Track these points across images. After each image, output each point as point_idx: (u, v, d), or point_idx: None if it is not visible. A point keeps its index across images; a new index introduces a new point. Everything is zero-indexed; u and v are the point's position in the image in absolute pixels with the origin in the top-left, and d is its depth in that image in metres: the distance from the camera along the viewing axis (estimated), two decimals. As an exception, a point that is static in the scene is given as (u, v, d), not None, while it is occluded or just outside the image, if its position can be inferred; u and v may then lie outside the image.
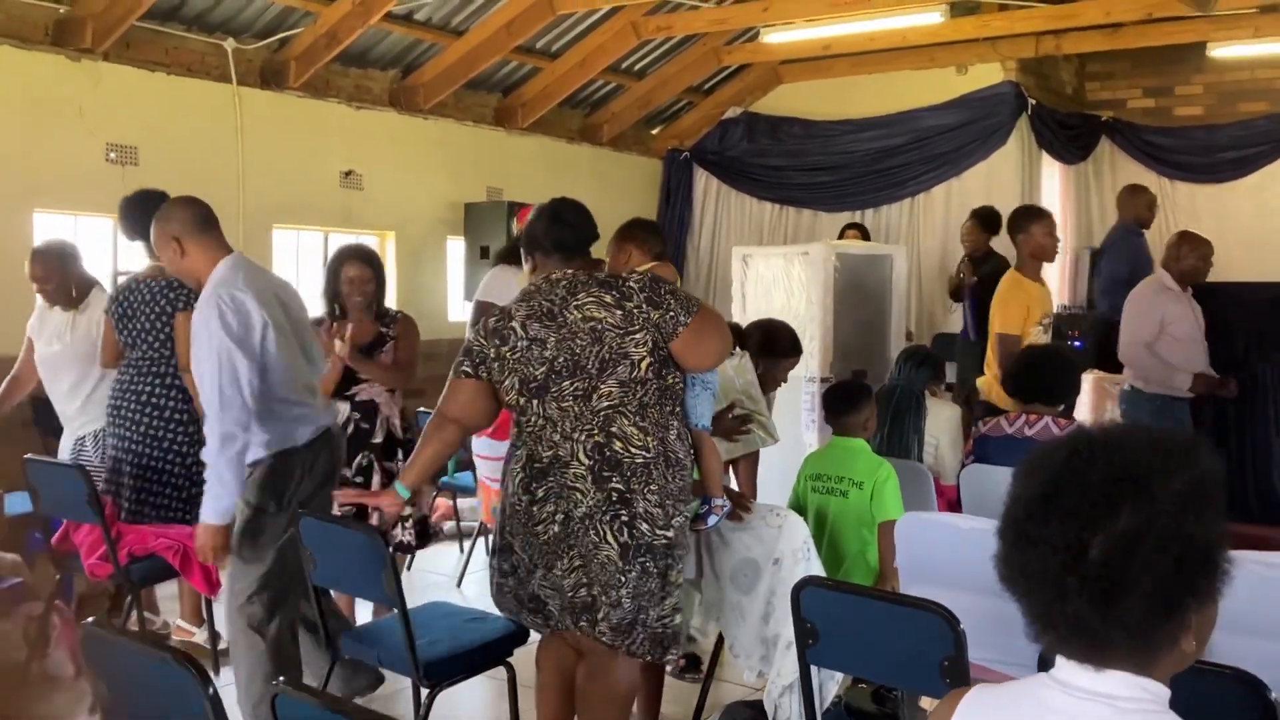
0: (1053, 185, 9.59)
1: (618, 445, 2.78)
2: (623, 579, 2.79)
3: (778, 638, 3.22)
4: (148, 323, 4.34)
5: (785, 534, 3.28)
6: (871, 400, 3.69)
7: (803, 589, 2.57)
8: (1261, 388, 5.68)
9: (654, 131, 10.50)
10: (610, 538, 2.79)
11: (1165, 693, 1.25)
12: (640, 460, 2.78)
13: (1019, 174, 8.98)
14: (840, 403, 3.64)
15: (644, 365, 2.78)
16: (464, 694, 3.59)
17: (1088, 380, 6.32)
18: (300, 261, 7.81)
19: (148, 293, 4.37)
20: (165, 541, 4.09)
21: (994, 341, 5.10)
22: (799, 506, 3.48)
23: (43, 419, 5.90)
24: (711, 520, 3.06)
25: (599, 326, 2.78)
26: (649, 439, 2.79)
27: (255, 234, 7.25)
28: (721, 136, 10.24)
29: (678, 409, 2.89)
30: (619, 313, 2.78)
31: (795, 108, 10.07)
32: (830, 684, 3.18)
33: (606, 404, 2.79)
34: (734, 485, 3.92)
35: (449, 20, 7.77)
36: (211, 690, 1.85)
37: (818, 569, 3.24)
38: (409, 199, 8.23)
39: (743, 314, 6.27)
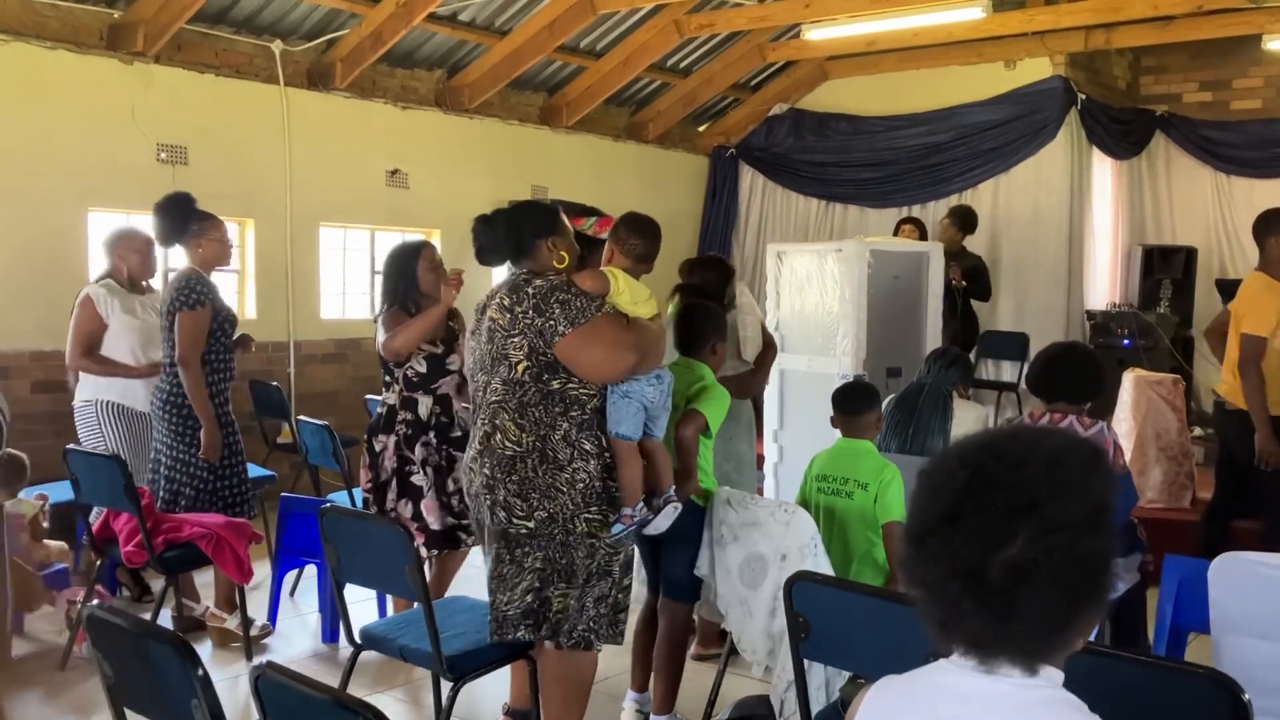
0: (1104, 181, 9.46)
1: (497, 437, 3.00)
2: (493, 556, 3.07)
3: (784, 633, 3.24)
4: (165, 321, 4.53)
5: (793, 529, 3.31)
6: (878, 404, 3.68)
7: (795, 584, 2.60)
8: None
9: (700, 129, 10.53)
10: (486, 515, 3.05)
11: (1059, 675, 1.33)
12: (508, 453, 2.98)
13: (1068, 169, 8.88)
14: (849, 402, 3.64)
15: (520, 368, 2.97)
16: (487, 686, 3.66)
17: (1129, 379, 6.23)
18: (346, 259, 7.97)
19: (167, 292, 4.58)
20: (199, 530, 4.23)
21: (1236, 342, 4.83)
22: (805, 506, 3.50)
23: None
24: (616, 529, 3.04)
25: (494, 328, 3.02)
26: (524, 435, 2.97)
27: (302, 232, 7.42)
28: (768, 133, 10.24)
29: (573, 412, 2.98)
30: (509, 316, 2.98)
31: (842, 104, 10.04)
32: (837, 680, 3.21)
33: (495, 399, 3.03)
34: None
35: (492, 21, 7.86)
36: (200, 671, 1.94)
37: (825, 565, 3.26)
38: (454, 197, 8.34)
39: (776, 311, 6.29)
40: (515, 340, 2.96)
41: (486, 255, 3.14)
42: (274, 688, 1.84)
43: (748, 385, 4.32)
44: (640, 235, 3.49)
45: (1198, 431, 7.77)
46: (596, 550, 3.04)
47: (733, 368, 4.23)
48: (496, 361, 3.01)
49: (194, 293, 4.49)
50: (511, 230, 3.09)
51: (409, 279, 4.22)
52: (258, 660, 4.35)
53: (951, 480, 1.31)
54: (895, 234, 7.70)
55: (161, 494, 4.55)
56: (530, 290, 2.97)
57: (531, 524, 2.97)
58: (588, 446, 3.00)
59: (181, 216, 4.65)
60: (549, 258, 3.08)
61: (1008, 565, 1.24)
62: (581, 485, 2.98)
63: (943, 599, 1.29)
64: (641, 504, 3.09)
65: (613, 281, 3.13)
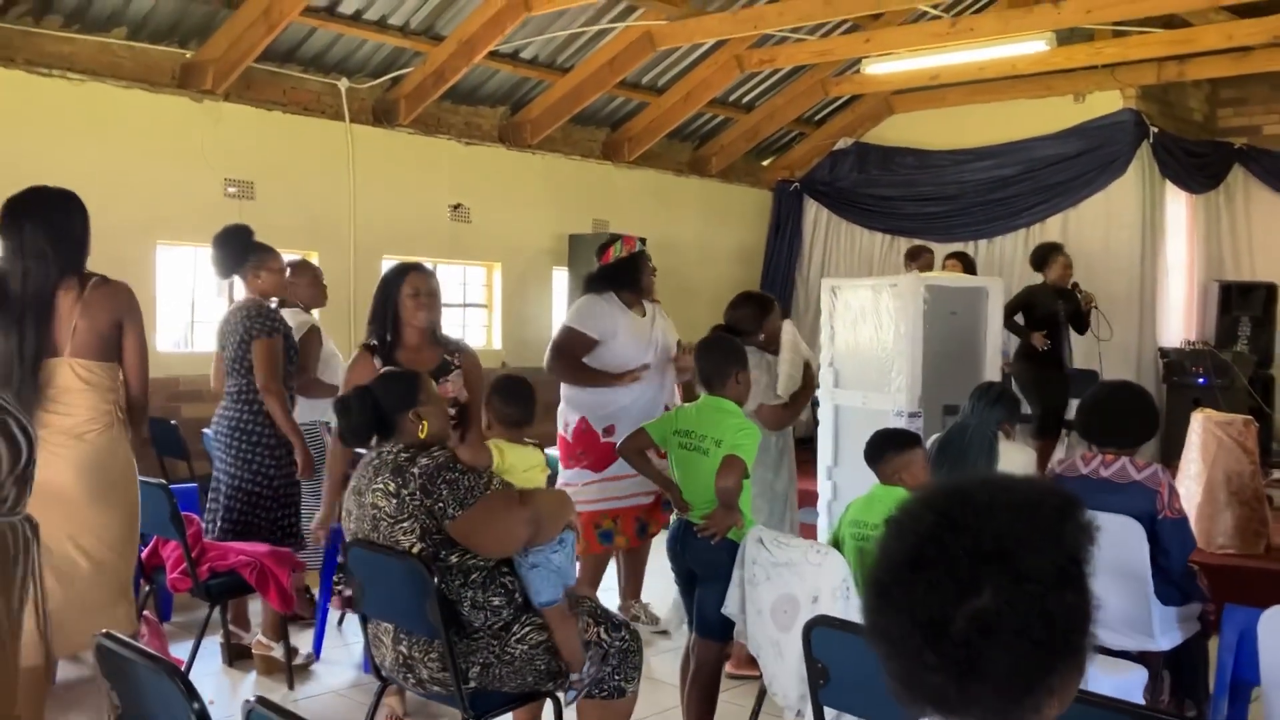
0: (1178, 215, 9.22)
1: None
2: None
3: (815, 677, 3.17)
4: (235, 351, 4.59)
5: (825, 571, 3.24)
6: (907, 450, 3.54)
7: (813, 628, 2.54)
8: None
9: (764, 163, 10.51)
10: (414, 689, 3.11)
11: None
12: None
13: (1140, 204, 8.68)
14: (870, 453, 3.57)
15: (415, 550, 2.88)
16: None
17: (1197, 420, 6.02)
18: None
19: (234, 321, 4.62)
20: (244, 559, 4.28)
21: None
22: (838, 549, 3.43)
23: (160, 438, 6.27)
24: (570, 695, 3.04)
25: (379, 515, 2.93)
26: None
27: (365, 264, 7.54)
28: (832, 167, 10.19)
29: (473, 577, 2.94)
30: (395, 501, 2.89)
31: (908, 138, 9.95)
32: (869, 726, 3.12)
33: None
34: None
35: (554, 58, 7.96)
36: (197, 705, 1.95)
37: (857, 609, 3.18)
38: (515, 231, 8.44)
39: (831, 346, 6.21)
40: (405, 525, 2.89)
41: (349, 439, 3.08)
42: (265, 723, 1.84)
43: (780, 419, 4.28)
44: (514, 403, 3.36)
45: (1278, 474, 7.48)
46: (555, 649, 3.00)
47: (766, 398, 4.22)
48: (396, 550, 2.93)
49: (268, 320, 4.58)
50: (367, 410, 3.02)
51: (391, 305, 3.95)
52: (298, 688, 4.41)
53: (917, 524, 1.24)
54: (942, 269, 7.60)
55: (220, 521, 4.62)
56: (415, 471, 2.88)
57: (472, 684, 2.95)
58: (497, 601, 2.97)
59: (239, 248, 4.75)
60: (414, 429, 3.00)
61: (972, 616, 1.17)
62: (499, 626, 2.96)
63: (904, 652, 1.22)
64: (587, 663, 3.05)
65: (496, 455, 3.12)
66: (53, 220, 3.52)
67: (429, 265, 8.06)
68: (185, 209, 6.65)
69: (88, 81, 6.27)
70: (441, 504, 2.85)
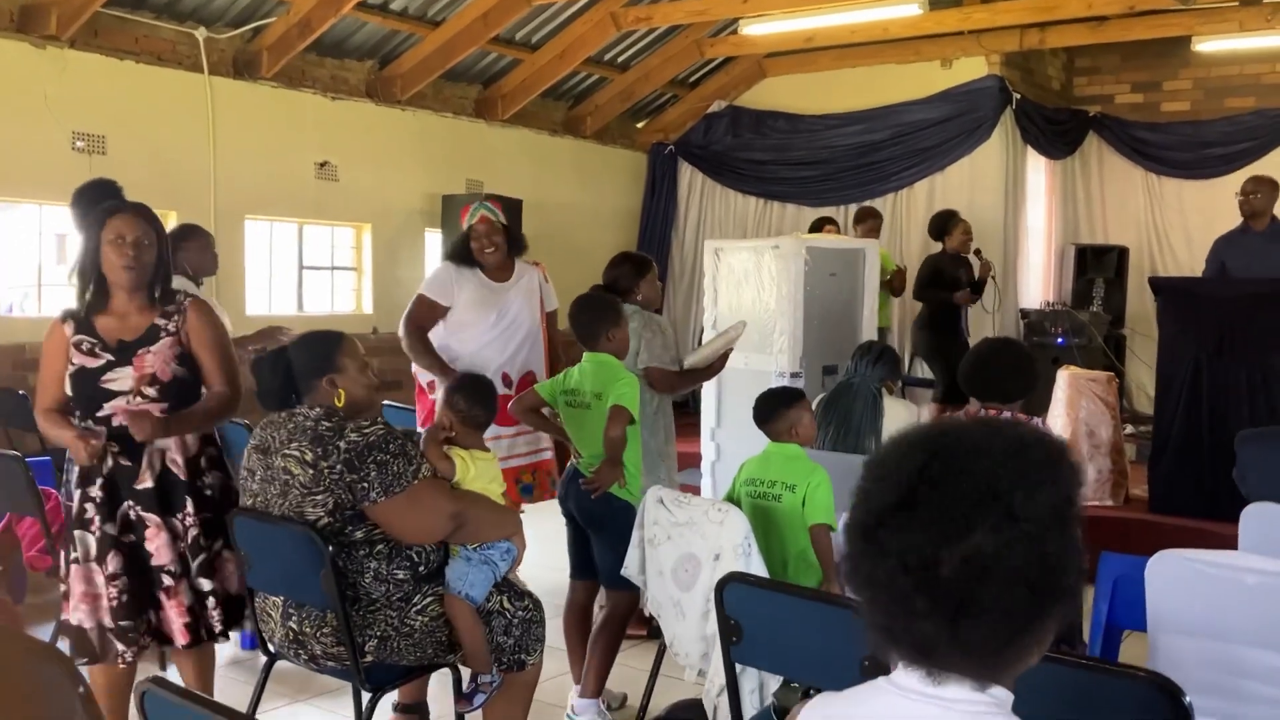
0: (1038, 180, 9.54)
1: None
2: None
3: (717, 636, 3.16)
4: None
5: (726, 529, 3.21)
6: (795, 406, 3.53)
7: (725, 585, 2.51)
8: (1234, 386, 5.58)
9: (639, 125, 10.43)
10: (306, 665, 2.97)
11: (1008, 697, 1.20)
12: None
13: (1003, 169, 8.93)
14: (757, 413, 3.56)
15: (319, 525, 2.74)
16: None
17: (1063, 376, 6.24)
18: (273, 254, 7.75)
19: None
20: (109, 534, 4.03)
21: None
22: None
23: (6, 409, 5.87)
24: (478, 700, 2.93)
25: (291, 482, 2.76)
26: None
27: (227, 225, 7.19)
28: (706, 130, 10.17)
29: (378, 548, 2.81)
30: (311, 472, 2.72)
31: (780, 101, 10.00)
32: (771, 684, 3.12)
33: None
34: None
35: (425, 11, 7.70)
36: (82, 689, 1.79)
37: (758, 565, 3.17)
38: (385, 191, 8.17)
39: (714, 308, 6.21)
40: (318, 498, 2.73)
41: (263, 402, 2.90)
42: (159, 705, 1.70)
43: (669, 383, 4.26)
44: (482, 403, 3.18)
45: (1130, 429, 7.85)
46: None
47: (659, 360, 4.20)
48: (289, 520, 2.78)
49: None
50: (279, 375, 2.87)
51: (93, 257, 3.13)
52: (170, 669, 4.19)
53: (905, 465, 1.18)
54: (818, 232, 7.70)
55: None
56: (342, 445, 2.70)
57: (369, 657, 2.83)
58: (401, 575, 2.85)
59: (89, 204, 4.44)
60: (329, 395, 2.83)
61: (966, 558, 1.12)
62: (399, 598, 2.85)
63: (892, 598, 1.16)
64: (496, 669, 2.94)
65: (461, 466, 3.02)
66: None
67: (293, 225, 7.79)
68: (28, 164, 6.19)
69: (-86, 23, 5.78)
70: (365, 485, 2.70)
